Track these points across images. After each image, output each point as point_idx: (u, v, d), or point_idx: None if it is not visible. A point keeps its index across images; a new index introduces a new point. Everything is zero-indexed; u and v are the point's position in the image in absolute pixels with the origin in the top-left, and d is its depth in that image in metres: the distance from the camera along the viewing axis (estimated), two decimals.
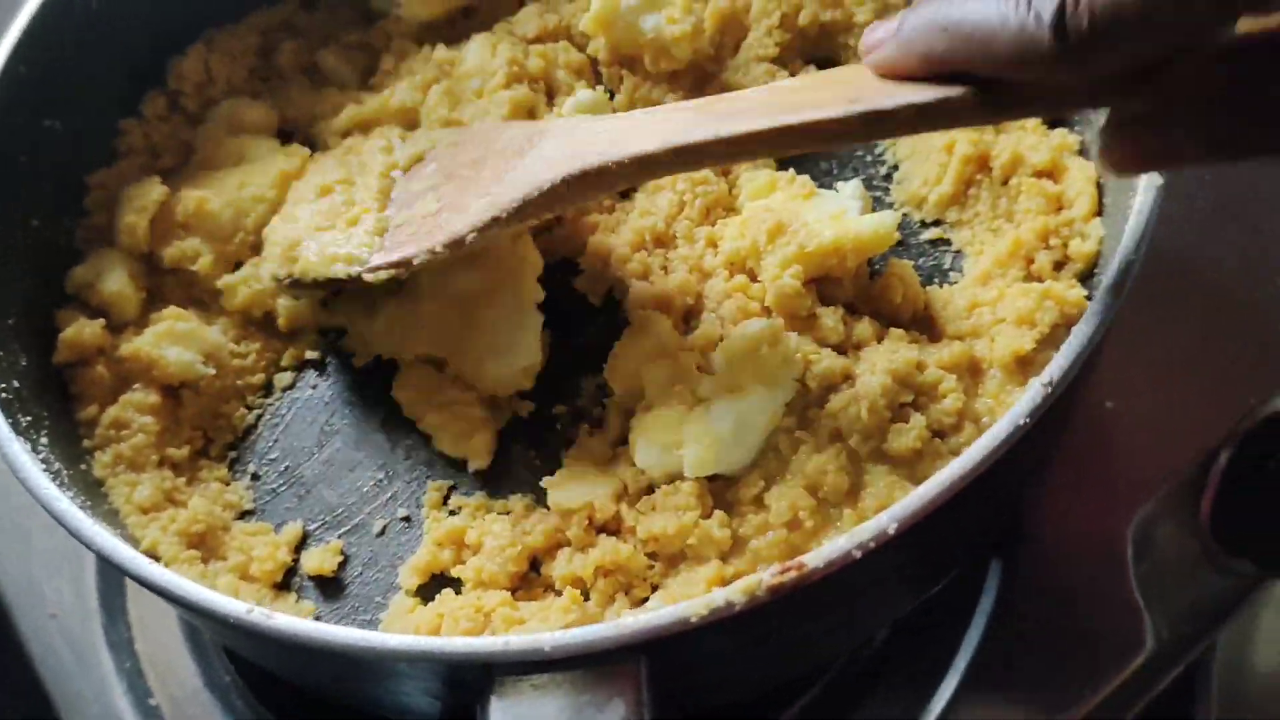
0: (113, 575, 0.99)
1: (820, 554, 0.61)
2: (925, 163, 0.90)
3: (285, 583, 0.82)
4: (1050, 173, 0.87)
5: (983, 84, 0.63)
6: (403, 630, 0.77)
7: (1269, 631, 1.02)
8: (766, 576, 0.61)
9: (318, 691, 0.82)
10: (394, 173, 0.90)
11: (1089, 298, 0.80)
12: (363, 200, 0.88)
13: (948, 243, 0.89)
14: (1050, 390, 0.64)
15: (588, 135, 0.79)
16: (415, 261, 0.82)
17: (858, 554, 0.61)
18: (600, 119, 0.83)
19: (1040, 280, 0.82)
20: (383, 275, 0.83)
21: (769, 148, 0.74)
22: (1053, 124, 0.88)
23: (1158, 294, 0.96)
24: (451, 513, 0.83)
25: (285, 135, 1.01)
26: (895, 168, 0.93)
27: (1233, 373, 0.96)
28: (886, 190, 0.92)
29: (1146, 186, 0.72)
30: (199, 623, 0.85)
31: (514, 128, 0.87)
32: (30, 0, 0.90)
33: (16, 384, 0.80)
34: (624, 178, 0.77)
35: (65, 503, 0.72)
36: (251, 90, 1.02)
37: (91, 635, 0.97)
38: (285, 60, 1.04)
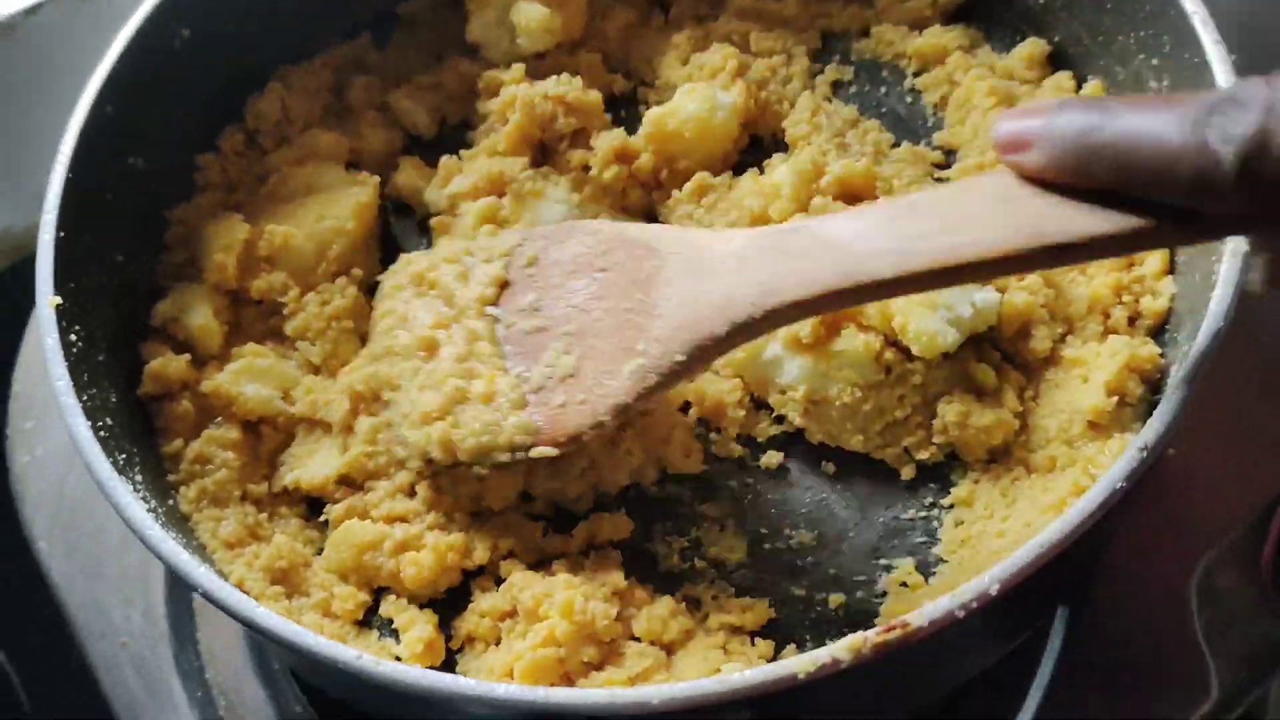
0: (183, 602, 1.00)
1: (924, 613, 0.63)
2: None
3: (366, 620, 0.84)
4: None
5: (1160, 210, 0.61)
6: (478, 671, 0.78)
7: None
8: (872, 635, 0.62)
9: None
10: (487, 309, 0.85)
11: (1162, 354, 0.82)
12: (482, 357, 0.83)
13: None
14: (1145, 454, 0.66)
15: (729, 265, 0.74)
16: (584, 438, 0.79)
17: (960, 613, 0.63)
18: (726, 236, 0.78)
19: (1115, 333, 0.84)
20: (552, 452, 0.79)
21: (948, 282, 0.70)
22: None
23: (1222, 343, 0.98)
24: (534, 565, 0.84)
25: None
26: None
27: None
28: None
29: (1232, 252, 0.73)
30: (287, 657, 0.86)
31: (611, 239, 0.82)
32: (116, 43, 0.92)
33: (109, 420, 0.81)
34: (786, 321, 0.74)
35: (170, 543, 0.73)
36: (325, 127, 1.04)
37: (162, 663, 0.97)
38: (356, 97, 1.06)
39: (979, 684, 0.89)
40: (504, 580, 0.82)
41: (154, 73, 0.94)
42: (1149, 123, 0.59)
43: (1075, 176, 0.63)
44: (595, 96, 0.99)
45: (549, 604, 0.77)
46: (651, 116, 0.96)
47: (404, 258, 0.92)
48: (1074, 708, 0.89)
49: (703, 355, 0.75)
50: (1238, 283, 0.72)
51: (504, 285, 0.86)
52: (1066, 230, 0.63)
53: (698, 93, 0.97)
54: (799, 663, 0.62)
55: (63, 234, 0.85)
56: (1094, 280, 0.87)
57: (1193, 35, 0.81)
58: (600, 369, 0.78)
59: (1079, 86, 0.95)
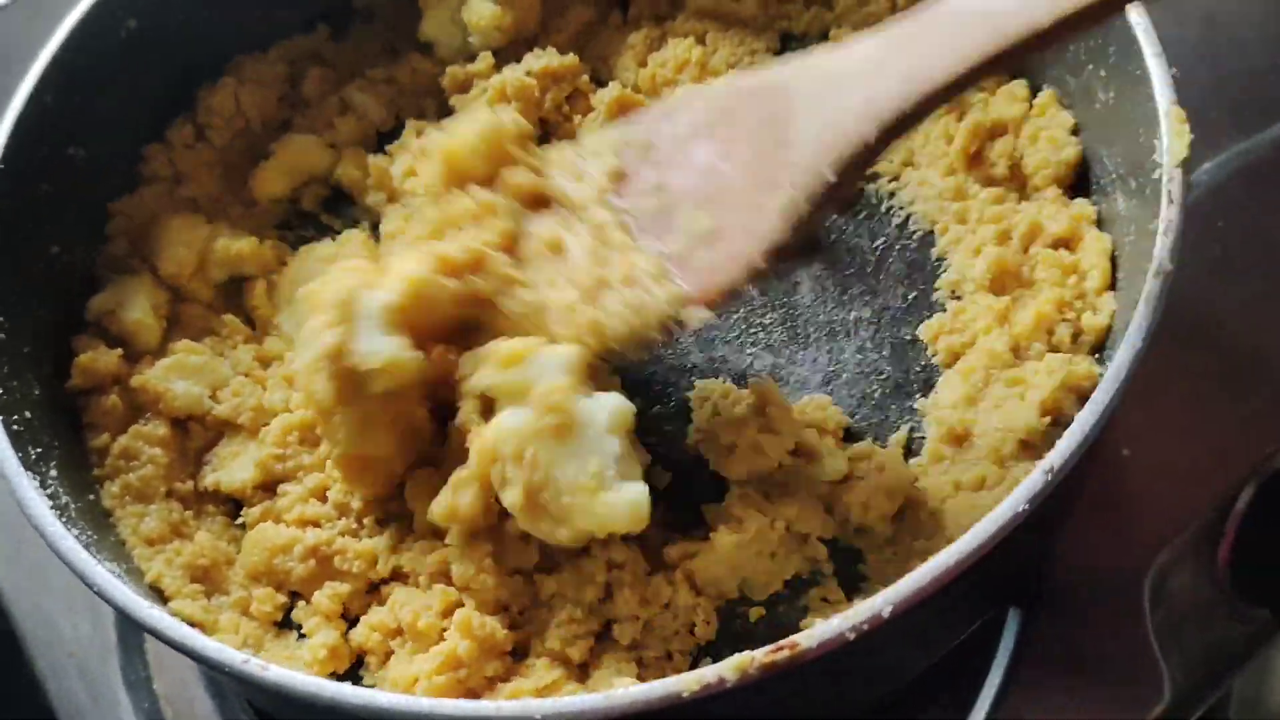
0: None
1: (813, 634, 0.61)
2: (960, 249, 0.91)
3: (285, 621, 0.83)
4: (1068, 242, 0.87)
5: None
6: (396, 678, 0.77)
7: None
8: (759, 655, 0.61)
9: None
10: (611, 199, 0.81)
11: (1100, 373, 0.80)
12: (614, 244, 0.79)
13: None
14: (1050, 478, 0.64)
15: (862, 71, 0.70)
16: (741, 288, 0.74)
17: (851, 635, 0.61)
18: (847, 47, 0.73)
19: (1058, 351, 0.83)
20: (707, 315, 0.75)
21: (1100, 17, 0.65)
22: (1073, 194, 0.88)
23: (1173, 343, 0.95)
24: None
25: None
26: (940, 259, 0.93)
27: (1249, 420, 0.96)
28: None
29: (1156, 271, 0.71)
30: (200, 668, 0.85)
31: (725, 97, 0.79)
32: (58, 33, 0.91)
33: (28, 414, 0.80)
34: (939, 106, 0.69)
35: (70, 540, 0.72)
36: (280, 120, 1.03)
37: (109, 674, 0.96)
38: (311, 89, 1.05)
39: (929, 685, 0.88)
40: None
41: (98, 64, 0.93)
42: None
43: None
44: (573, 59, 1.00)
45: (426, 619, 0.76)
46: None
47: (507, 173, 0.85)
48: (1026, 709, 0.87)
49: (855, 168, 0.71)
50: (1158, 301, 0.70)
51: (620, 177, 0.82)
52: None
53: None
54: (683, 681, 0.61)
55: None
56: (1039, 297, 0.85)
57: (1135, 46, 0.79)
58: (743, 219, 0.74)
59: (1033, 95, 0.93)
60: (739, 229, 0.74)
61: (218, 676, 0.81)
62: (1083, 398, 0.79)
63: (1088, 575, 0.91)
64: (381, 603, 0.82)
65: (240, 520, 0.86)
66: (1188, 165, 0.73)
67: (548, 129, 1.01)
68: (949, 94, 0.68)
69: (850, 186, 0.74)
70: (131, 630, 0.98)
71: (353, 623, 0.82)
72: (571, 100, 1.01)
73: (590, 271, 0.79)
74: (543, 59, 1.00)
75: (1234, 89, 1.09)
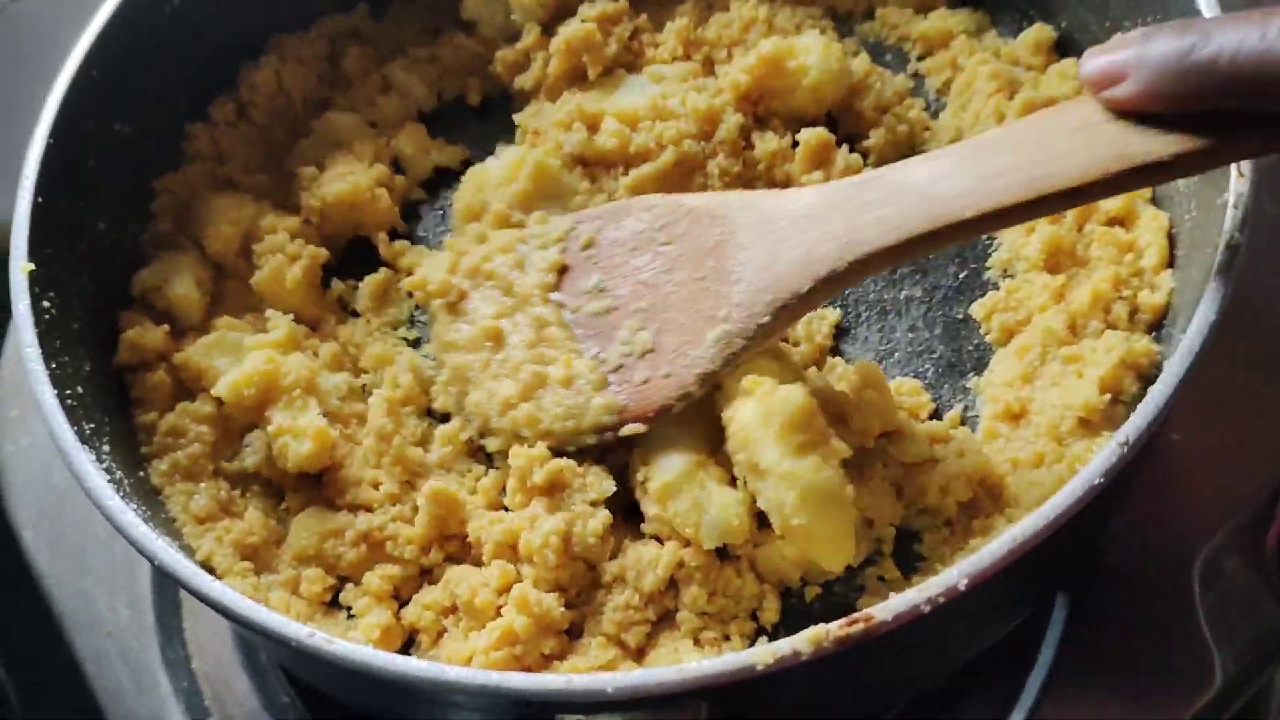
0: (169, 593, 0.99)
1: (888, 607, 0.61)
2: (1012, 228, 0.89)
3: (334, 601, 0.82)
4: (1122, 220, 0.86)
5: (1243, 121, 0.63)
6: (450, 655, 0.77)
7: None
8: (834, 628, 0.60)
9: (372, 714, 0.82)
10: (552, 295, 0.84)
11: (1159, 350, 0.80)
12: (554, 342, 0.83)
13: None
14: (1125, 450, 0.64)
15: (802, 223, 0.74)
16: (673, 410, 0.78)
17: (926, 609, 0.61)
18: (792, 195, 0.77)
19: (1115, 328, 0.82)
20: (640, 429, 0.79)
21: (1032, 215, 0.70)
22: None
23: (1225, 328, 0.95)
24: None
25: None
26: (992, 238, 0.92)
27: None
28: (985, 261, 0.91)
29: (1227, 245, 0.71)
30: (259, 644, 0.85)
31: (670, 212, 0.82)
32: (104, 8, 0.91)
33: (80, 389, 0.80)
34: (871, 272, 0.74)
35: (129, 514, 0.72)
36: (321, 98, 1.03)
37: (148, 654, 0.97)
38: (352, 66, 1.04)
39: (978, 672, 0.88)
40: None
41: (142, 39, 0.93)
42: (1248, 35, 0.60)
43: (1174, 100, 0.64)
44: (624, 3, 1.00)
45: (484, 595, 0.76)
46: (765, 50, 0.93)
47: (450, 246, 0.91)
48: (1074, 697, 0.87)
49: (788, 315, 0.75)
50: (1230, 276, 0.69)
51: (563, 270, 0.85)
52: (1152, 150, 0.64)
53: (822, 43, 0.94)
54: (757, 654, 0.60)
55: (40, 200, 0.84)
56: (1094, 275, 0.84)
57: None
58: (681, 340, 0.78)
59: None
60: (676, 353, 0.79)
61: (274, 652, 0.80)
62: (1141, 375, 0.79)
63: (1137, 561, 0.91)
64: (434, 583, 0.81)
65: (283, 505, 0.85)
66: None
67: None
68: (883, 262, 0.72)
69: (780, 330, 0.78)
70: (170, 611, 0.98)
71: (403, 603, 0.81)
72: (634, 38, 1.00)
73: (528, 367, 0.82)
74: (596, 6, 0.99)
75: None
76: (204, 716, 0.94)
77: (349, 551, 0.81)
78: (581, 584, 0.78)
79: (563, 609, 0.76)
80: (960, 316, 0.89)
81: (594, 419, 0.80)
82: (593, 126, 0.94)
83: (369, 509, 0.83)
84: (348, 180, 0.95)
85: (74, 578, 0.99)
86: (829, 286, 0.73)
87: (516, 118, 1.00)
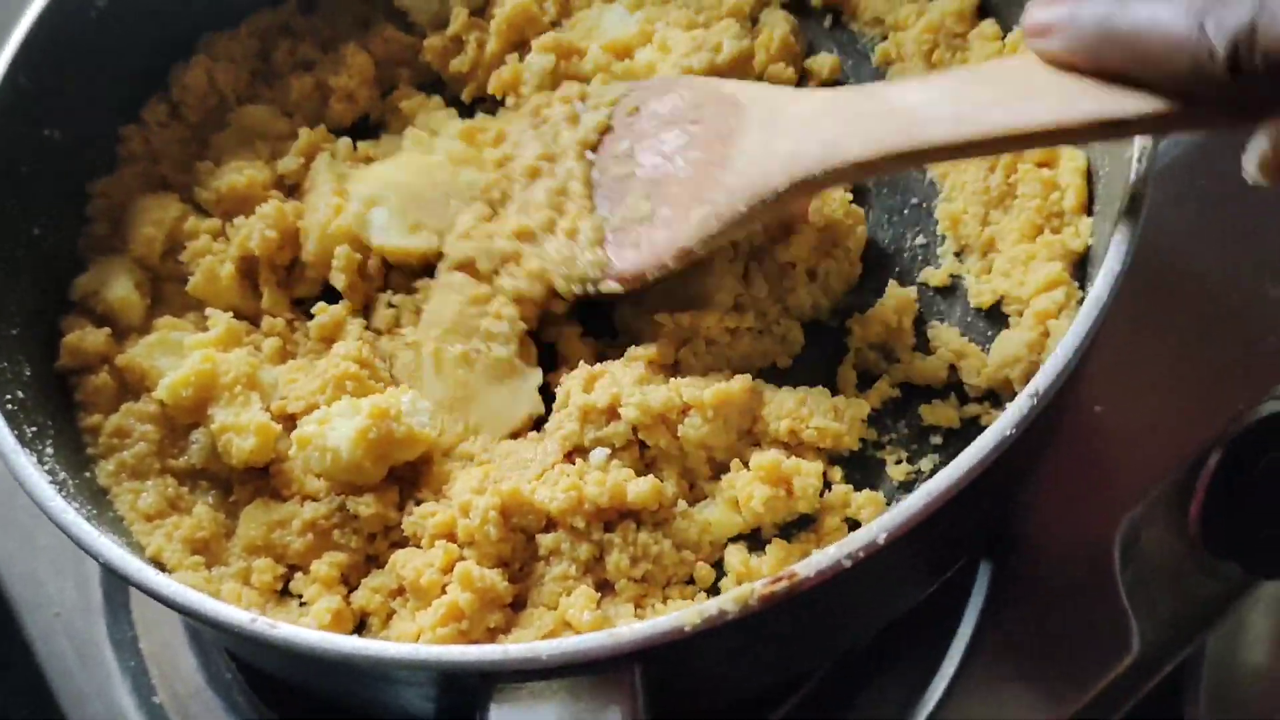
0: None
1: (810, 563, 0.63)
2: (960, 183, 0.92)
3: (285, 589, 0.83)
4: (1047, 163, 0.88)
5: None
6: (400, 636, 0.78)
7: (1257, 631, 1.04)
8: (759, 586, 0.62)
9: (318, 694, 0.84)
10: (587, 154, 0.90)
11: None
12: (574, 196, 0.89)
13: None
14: (1036, 401, 0.66)
15: (798, 123, 0.78)
16: (649, 277, 0.84)
17: (847, 563, 0.63)
18: (802, 96, 0.82)
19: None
20: (617, 289, 0.85)
21: (1000, 149, 0.75)
22: None
23: (1145, 300, 0.98)
24: None
25: None
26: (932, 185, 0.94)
27: (1220, 378, 0.97)
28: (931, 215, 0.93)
29: (1129, 196, 0.73)
30: (206, 631, 0.86)
31: (704, 94, 0.86)
32: (30, 11, 0.91)
33: (21, 394, 0.81)
34: (847, 180, 0.79)
35: (71, 514, 0.73)
36: (252, 94, 1.03)
37: (95, 634, 0.98)
38: (281, 60, 1.05)
39: (900, 637, 0.90)
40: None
41: (69, 44, 0.93)
42: (1158, 12, 0.62)
43: (1091, 62, 0.66)
44: None
45: (429, 575, 0.77)
46: None
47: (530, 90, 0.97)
48: (996, 660, 0.89)
49: (763, 208, 0.79)
50: (1135, 226, 0.71)
51: (606, 131, 0.91)
52: (1125, 106, 0.65)
53: None
54: (685, 616, 0.62)
55: None
56: (1025, 208, 0.87)
57: None
58: (672, 215, 0.83)
59: (1005, 34, 0.94)
60: (665, 225, 0.84)
61: (224, 640, 0.81)
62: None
63: (1059, 530, 0.93)
64: (381, 566, 0.82)
65: (231, 498, 0.86)
66: None
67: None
68: (860, 173, 0.77)
69: (757, 221, 0.82)
70: (117, 590, 1.00)
71: (352, 589, 0.82)
72: None
73: (544, 211, 0.89)
74: None
75: None
76: (151, 695, 0.95)
77: (296, 540, 0.82)
78: (522, 557, 0.79)
79: (506, 583, 0.78)
80: None
81: (582, 270, 0.86)
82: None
83: (315, 499, 0.84)
84: (243, 174, 0.96)
85: (22, 559, 1.01)
86: (806, 188, 0.77)
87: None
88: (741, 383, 0.82)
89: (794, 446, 0.82)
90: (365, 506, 0.82)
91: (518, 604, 0.79)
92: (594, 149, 0.90)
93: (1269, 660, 1.05)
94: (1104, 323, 0.69)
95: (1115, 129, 0.67)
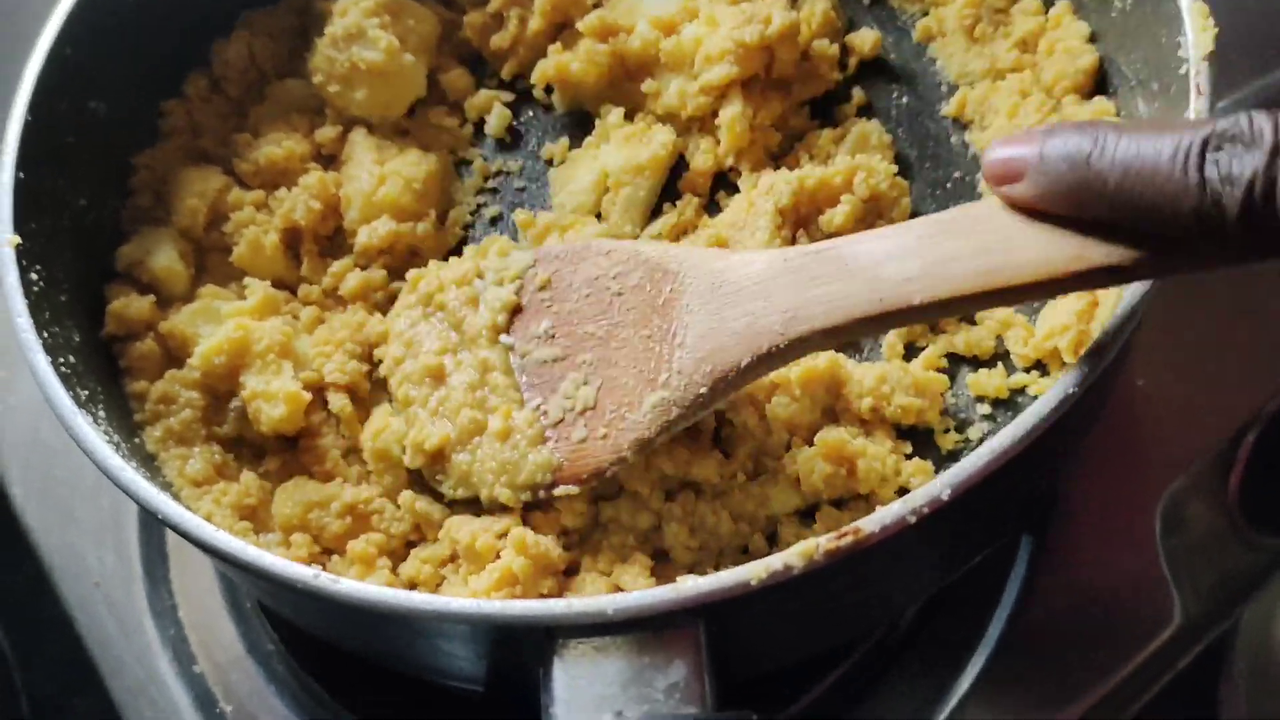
0: (156, 543, 1.01)
1: (875, 519, 0.63)
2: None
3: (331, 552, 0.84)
4: None
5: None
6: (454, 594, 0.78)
7: None
8: (824, 541, 0.63)
9: (362, 654, 0.84)
10: (501, 337, 0.82)
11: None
12: (497, 390, 0.81)
13: None
14: (1100, 359, 0.66)
15: (749, 291, 0.72)
16: (607, 474, 0.77)
17: (912, 519, 0.63)
18: (741, 259, 0.75)
19: None
20: (573, 491, 0.78)
21: (980, 306, 0.68)
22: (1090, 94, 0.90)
23: (1190, 277, 0.98)
24: None
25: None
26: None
27: (1261, 353, 0.98)
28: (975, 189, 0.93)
29: None
30: (263, 589, 0.86)
31: (626, 260, 0.79)
32: None
33: (72, 358, 0.81)
34: (815, 349, 0.73)
35: (129, 472, 0.73)
36: (292, 70, 1.04)
37: (135, 603, 0.99)
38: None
39: (943, 609, 0.90)
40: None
41: (113, 17, 0.93)
42: (1143, 150, 0.56)
43: (1070, 209, 0.60)
44: None
45: (484, 539, 0.78)
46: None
47: (414, 274, 0.90)
48: (1037, 633, 0.90)
49: (726, 387, 0.73)
50: None
51: (516, 310, 0.83)
52: (1111, 254, 0.60)
53: None
54: (752, 570, 0.62)
55: (22, 175, 0.85)
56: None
57: None
58: (621, 401, 0.77)
59: (1047, 8, 0.94)
60: (615, 414, 0.77)
61: (283, 598, 0.82)
62: None
63: (1101, 503, 0.93)
64: (428, 542, 0.83)
65: (262, 469, 0.86)
66: (1213, 59, 0.74)
67: None
68: (826, 340, 0.70)
69: (720, 400, 0.75)
70: (157, 560, 1.00)
71: (400, 560, 0.83)
72: None
73: (467, 412, 0.81)
74: None
75: (1253, 29, 1.10)
76: (191, 663, 0.96)
77: (334, 523, 0.83)
78: (580, 524, 0.80)
79: (561, 549, 0.78)
80: None
81: (528, 477, 0.78)
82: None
83: (345, 478, 0.85)
84: (282, 145, 0.97)
85: (61, 530, 1.02)
86: (769, 361, 0.71)
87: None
88: (828, 360, 0.80)
89: (871, 423, 0.81)
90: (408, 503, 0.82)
91: (570, 570, 0.79)
92: (505, 332, 0.82)
93: None
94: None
95: (1108, 277, 0.62)
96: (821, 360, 0.81)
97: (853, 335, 0.71)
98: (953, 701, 0.88)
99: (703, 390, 0.73)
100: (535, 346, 0.81)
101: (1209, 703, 0.96)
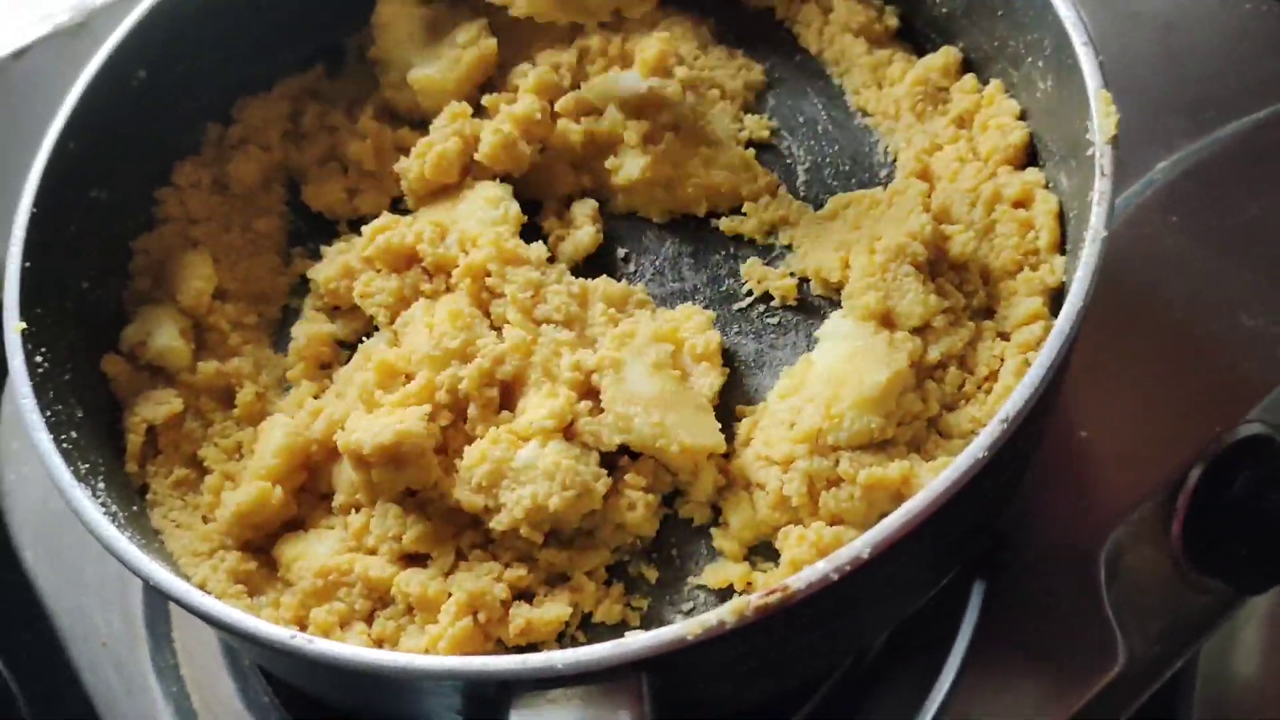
0: (158, 604, 1.06)
1: (801, 577, 0.68)
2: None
3: None
4: (1023, 203, 0.93)
5: None
6: (413, 648, 0.83)
7: (1248, 643, 1.08)
8: (754, 599, 0.68)
9: (348, 708, 0.89)
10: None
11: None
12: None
13: None
14: (1007, 426, 0.71)
15: None
16: None
17: (835, 576, 0.68)
18: None
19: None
20: None
21: None
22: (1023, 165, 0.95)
23: (1126, 329, 1.03)
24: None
25: None
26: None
27: (1198, 402, 1.02)
28: None
29: (1093, 239, 0.78)
30: (245, 648, 0.92)
31: None
32: (77, 85, 0.98)
33: (75, 434, 0.87)
34: None
35: (123, 542, 0.79)
36: (283, 155, 1.10)
37: (139, 662, 1.04)
38: (311, 124, 1.11)
39: (899, 653, 0.95)
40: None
41: (113, 112, 1.00)
42: None
43: None
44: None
45: (434, 585, 0.83)
46: None
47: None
48: (990, 674, 0.94)
49: None
50: (1097, 263, 0.77)
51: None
52: None
53: None
54: (686, 627, 0.68)
55: (28, 264, 0.91)
56: (1006, 244, 0.91)
57: (1066, 37, 0.86)
58: None
59: (982, 86, 1.00)
60: None
61: (263, 656, 0.87)
62: None
63: (1047, 549, 0.98)
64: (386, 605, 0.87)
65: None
66: (1116, 142, 0.80)
67: None
68: None
69: None
70: (160, 620, 1.06)
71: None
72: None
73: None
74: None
75: (1190, 92, 1.17)
76: (193, 718, 1.01)
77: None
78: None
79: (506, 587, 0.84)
80: None
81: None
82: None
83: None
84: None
85: (71, 593, 1.08)
86: None
87: None
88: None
89: None
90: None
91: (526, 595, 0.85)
92: None
93: (1261, 672, 1.08)
94: (1071, 353, 0.75)
95: None
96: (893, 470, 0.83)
97: None
98: None
99: None
100: None
101: None
